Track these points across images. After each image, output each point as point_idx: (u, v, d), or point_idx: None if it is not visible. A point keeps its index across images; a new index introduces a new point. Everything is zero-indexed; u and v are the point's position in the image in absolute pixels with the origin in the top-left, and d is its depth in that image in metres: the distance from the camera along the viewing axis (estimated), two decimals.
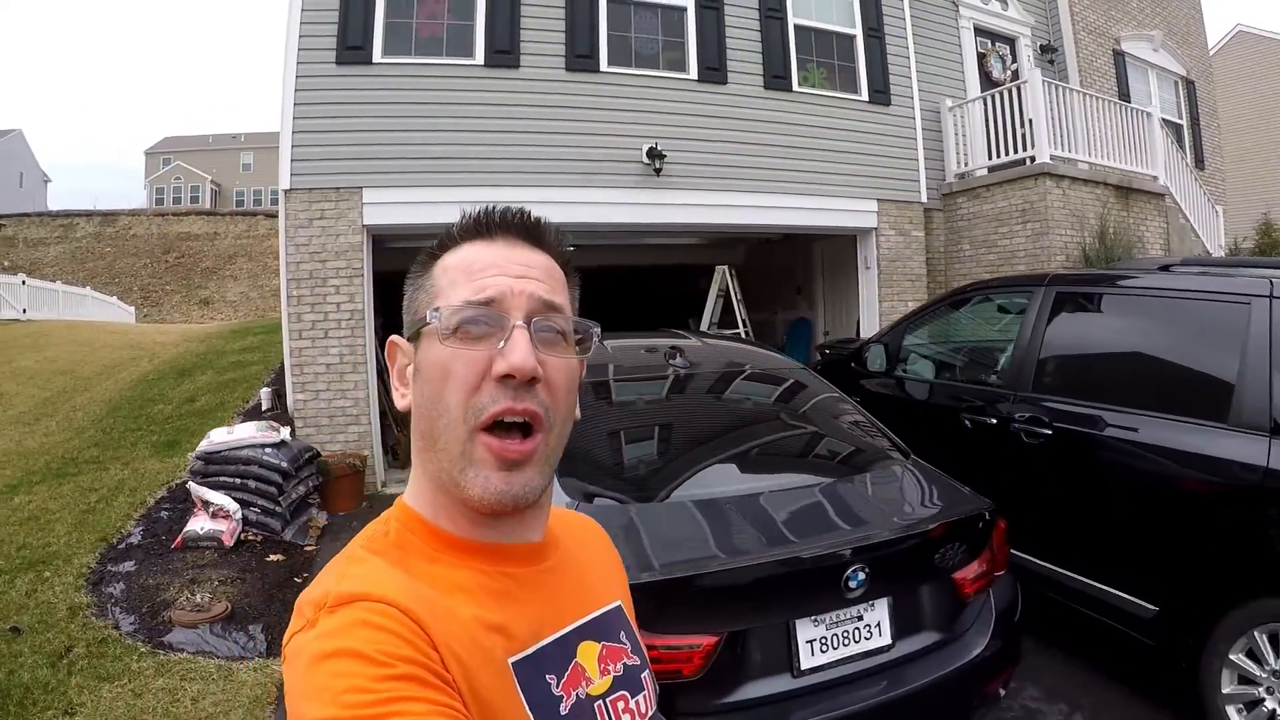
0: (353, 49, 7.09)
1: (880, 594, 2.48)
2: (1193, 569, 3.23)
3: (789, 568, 2.36)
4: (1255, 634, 2.97)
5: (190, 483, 5.41)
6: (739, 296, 10.26)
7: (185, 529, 5.13)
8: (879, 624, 2.49)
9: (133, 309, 27.26)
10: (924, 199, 9.60)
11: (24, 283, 18.21)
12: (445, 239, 0.87)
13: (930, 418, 4.78)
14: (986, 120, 9.56)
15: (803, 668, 2.35)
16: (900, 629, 2.52)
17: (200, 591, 4.45)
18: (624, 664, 0.89)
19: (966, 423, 4.39)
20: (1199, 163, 12.99)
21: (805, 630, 2.37)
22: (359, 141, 7.11)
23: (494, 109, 7.53)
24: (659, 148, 7.89)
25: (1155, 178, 9.90)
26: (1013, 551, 3.85)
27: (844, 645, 2.42)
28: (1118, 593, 3.50)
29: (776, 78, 8.79)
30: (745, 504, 2.63)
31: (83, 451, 6.97)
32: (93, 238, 34.53)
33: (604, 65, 7.98)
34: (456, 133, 7.41)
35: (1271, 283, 3.23)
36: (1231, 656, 3.04)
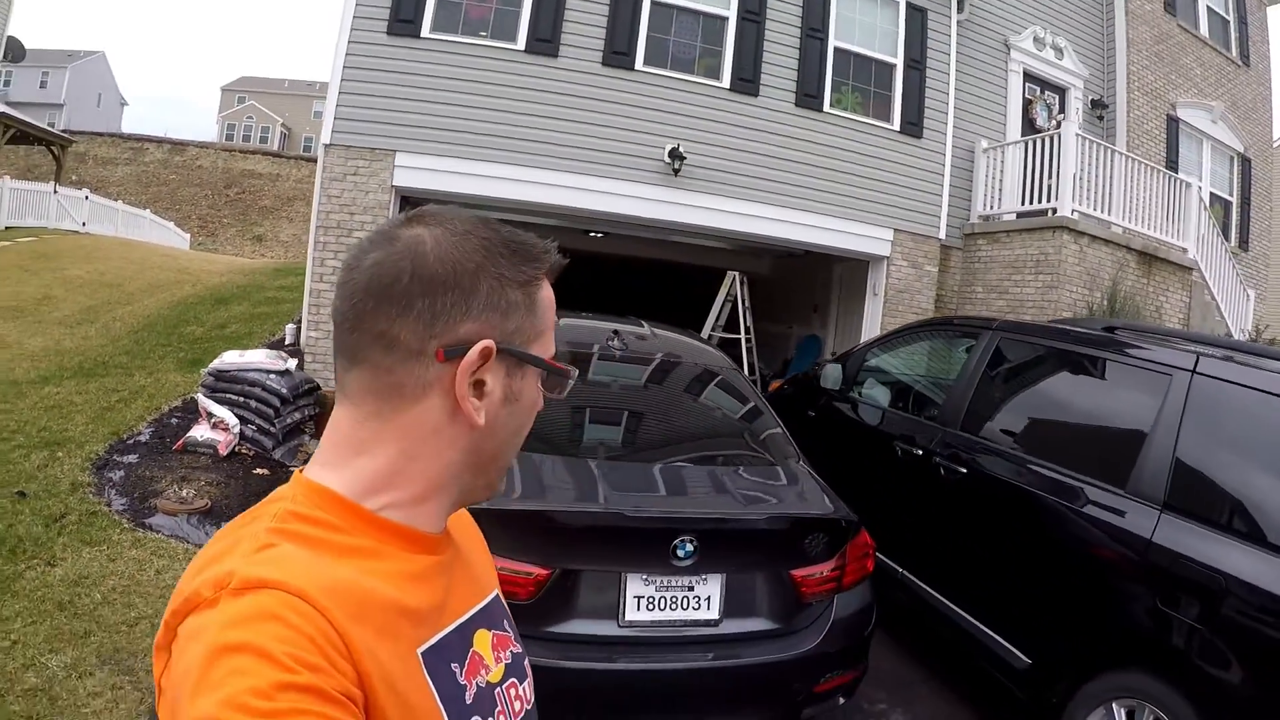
0: (404, 22, 7.60)
1: (713, 570, 2.71)
2: (1066, 627, 3.25)
3: (617, 523, 2.66)
4: (1113, 706, 2.96)
5: (199, 394, 5.98)
6: (746, 304, 10.49)
7: (187, 435, 5.70)
8: (709, 598, 2.72)
9: (188, 236, 28.18)
10: (942, 236, 9.65)
11: (86, 197, 19.05)
12: (545, 260, 0.84)
13: (869, 440, 4.93)
14: (1024, 166, 9.50)
15: (627, 619, 2.63)
16: (730, 608, 2.74)
17: (187, 488, 5.01)
18: (511, 651, 0.89)
19: (898, 450, 4.50)
20: (1243, 243, 12.71)
21: (635, 586, 2.65)
22: (399, 108, 7.60)
23: (529, 93, 7.95)
24: (681, 149, 8.21)
25: (1185, 250, 9.76)
26: (916, 581, 4.08)
27: (670, 609, 2.67)
28: (998, 638, 3.53)
29: (809, 96, 8.98)
30: (609, 469, 2.98)
31: (114, 357, 7.63)
32: (160, 164, 35.64)
33: (639, 64, 8.33)
34: (491, 111, 7.84)
35: (1198, 357, 3.16)
36: None
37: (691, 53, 8.72)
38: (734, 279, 10.39)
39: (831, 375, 5.46)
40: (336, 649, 0.64)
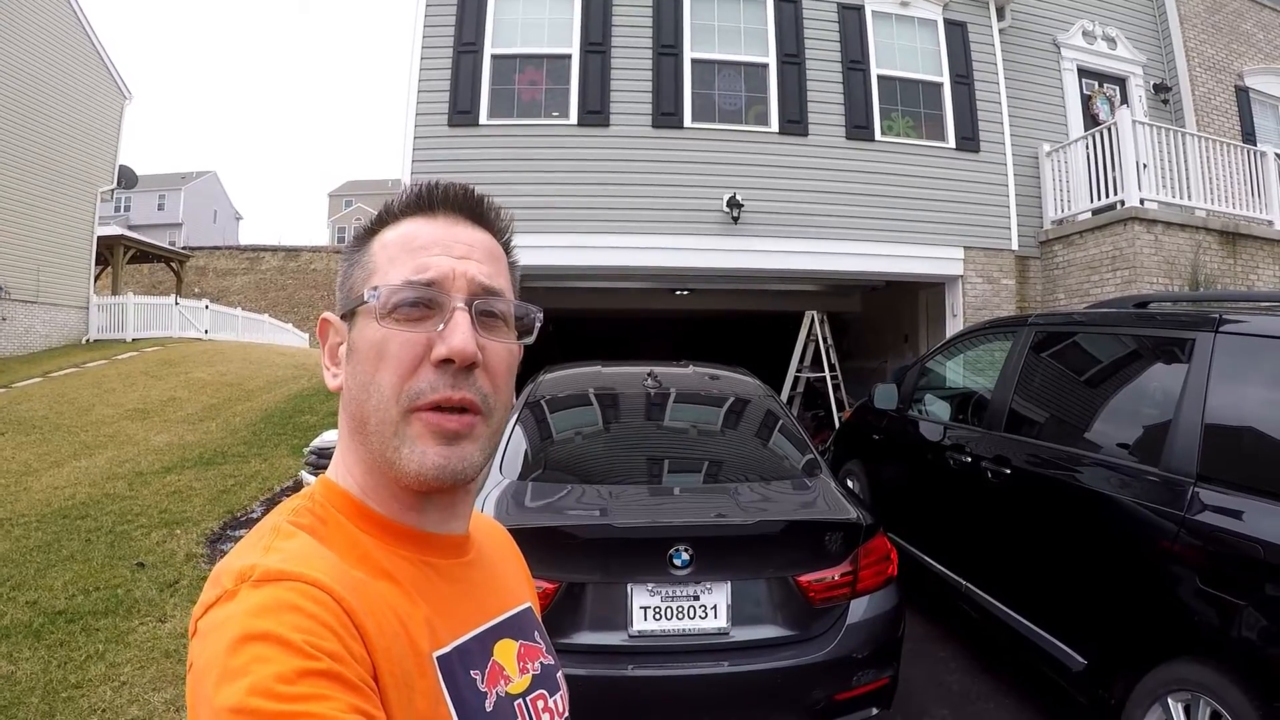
0: (462, 113, 8.27)
1: (716, 578, 2.79)
2: (1114, 622, 3.12)
3: (609, 534, 2.81)
4: (1170, 701, 2.78)
5: (302, 472, 6.53)
6: (829, 342, 10.56)
7: None
8: (715, 607, 2.79)
9: (306, 335, 29.93)
10: (1015, 247, 9.50)
11: (207, 306, 20.91)
12: (384, 214, 0.84)
13: (927, 455, 4.92)
14: (1088, 163, 9.29)
15: (635, 629, 2.75)
16: (740, 617, 2.80)
17: None
18: (541, 663, 0.89)
19: (951, 461, 4.49)
20: None
21: (641, 597, 2.77)
22: None
23: (586, 163, 8.45)
24: (738, 197, 8.45)
25: (1271, 223, 9.32)
26: (979, 592, 4.03)
27: (678, 619, 2.77)
28: (1054, 640, 3.43)
29: (859, 128, 9.09)
30: (623, 489, 3.18)
31: (233, 448, 8.39)
32: (276, 270, 38.17)
33: (688, 121, 8.70)
34: (552, 184, 8.36)
35: (1220, 317, 3.03)
36: None
37: (737, 103, 9.00)
38: (813, 319, 10.45)
39: (884, 396, 5.49)
40: (354, 638, 0.66)
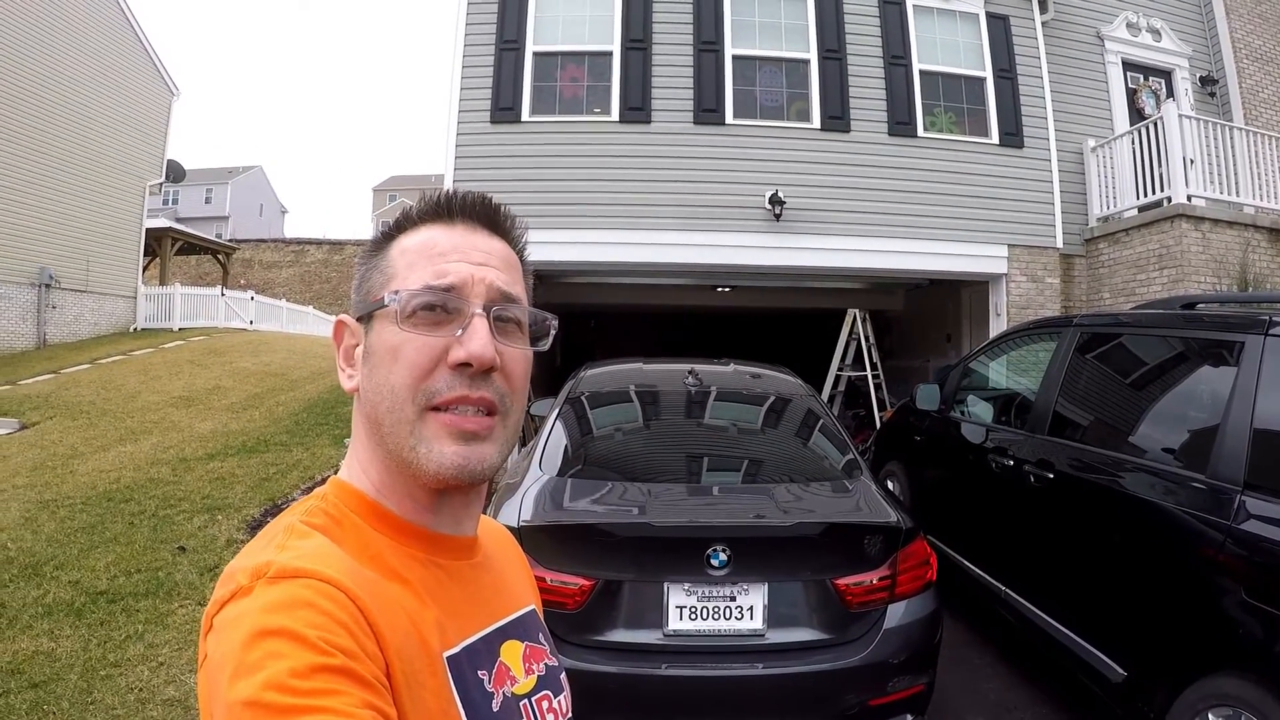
0: (504, 109, 8.32)
1: (753, 580, 2.79)
2: (1156, 632, 3.06)
3: (647, 533, 2.83)
4: (1211, 716, 2.69)
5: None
6: (871, 341, 10.48)
7: None
8: (751, 608, 2.79)
9: None
10: (1060, 244, 9.29)
11: (253, 298, 21.43)
12: (403, 219, 0.86)
13: (969, 458, 4.86)
14: (1134, 158, 9.08)
15: (670, 628, 2.76)
16: (776, 619, 2.79)
17: None
18: (546, 664, 0.90)
19: (994, 464, 4.46)
20: None
21: (677, 596, 2.77)
22: (508, 189, 8.08)
23: (627, 159, 8.46)
24: (780, 194, 8.39)
25: None
26: (1019, 599, 3.98)
27: (714, 619, 2.77)
28: (1094, 650, 3.37)
29: (900, 124, 8.96)
30: (663, 488, 3.19)
31: (275, 436, 8.55)
32: (320, 263, 38.63)
33: (729, 118, 8.65)
34: (593, 180, 8.38)
35: (1270, 319, 2.95)
36: None
37: (778, 99, 8.95)
38: (854, 317, 10.37)
39: (926, 396, 5.44)
40: (368, 636, 0.67)
